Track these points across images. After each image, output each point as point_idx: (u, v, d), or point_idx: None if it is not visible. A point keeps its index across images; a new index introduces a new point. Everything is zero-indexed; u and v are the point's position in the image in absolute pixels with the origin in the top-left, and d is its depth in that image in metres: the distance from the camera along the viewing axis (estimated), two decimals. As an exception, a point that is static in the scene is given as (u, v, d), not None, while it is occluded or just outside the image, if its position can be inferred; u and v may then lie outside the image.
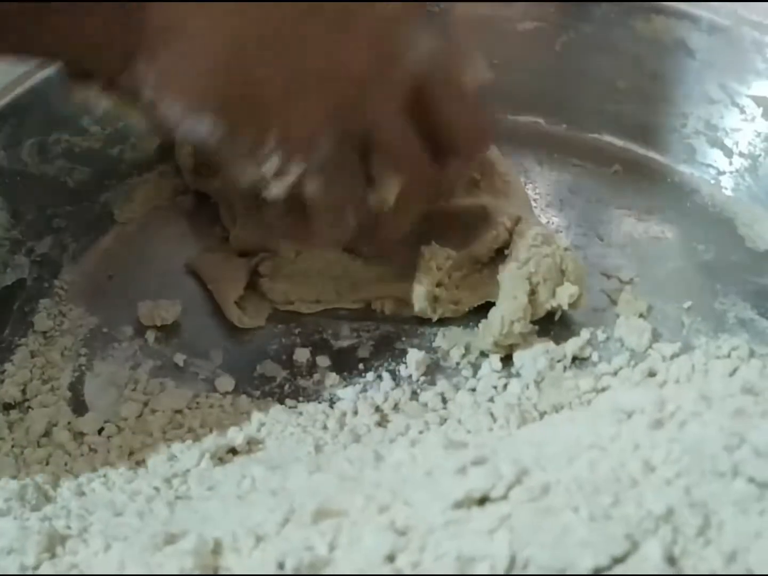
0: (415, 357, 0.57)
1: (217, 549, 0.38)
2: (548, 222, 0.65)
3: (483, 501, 0.37)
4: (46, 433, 0.53)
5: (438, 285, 0.58)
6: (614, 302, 0.60)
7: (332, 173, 0.47)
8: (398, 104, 0.48)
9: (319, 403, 0.55)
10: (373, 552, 0.36)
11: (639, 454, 0.39)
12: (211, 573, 0.37)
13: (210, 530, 0.39)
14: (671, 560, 0.35)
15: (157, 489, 0.47)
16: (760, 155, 0.66)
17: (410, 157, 0.50)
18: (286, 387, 0.56)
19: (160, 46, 0.43)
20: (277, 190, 0.47)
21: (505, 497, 0.37)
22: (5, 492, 0.46)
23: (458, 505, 0.37)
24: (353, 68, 0.46)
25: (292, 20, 0.44)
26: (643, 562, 0.34)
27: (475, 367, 0.57)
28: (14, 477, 0.49)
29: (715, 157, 0.67)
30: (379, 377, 0.56)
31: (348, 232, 0.51)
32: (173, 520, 0.42)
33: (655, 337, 0.58)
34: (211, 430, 0.52)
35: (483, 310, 0.58)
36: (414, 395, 0.55)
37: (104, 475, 0.50)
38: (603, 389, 0.55)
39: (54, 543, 0.41)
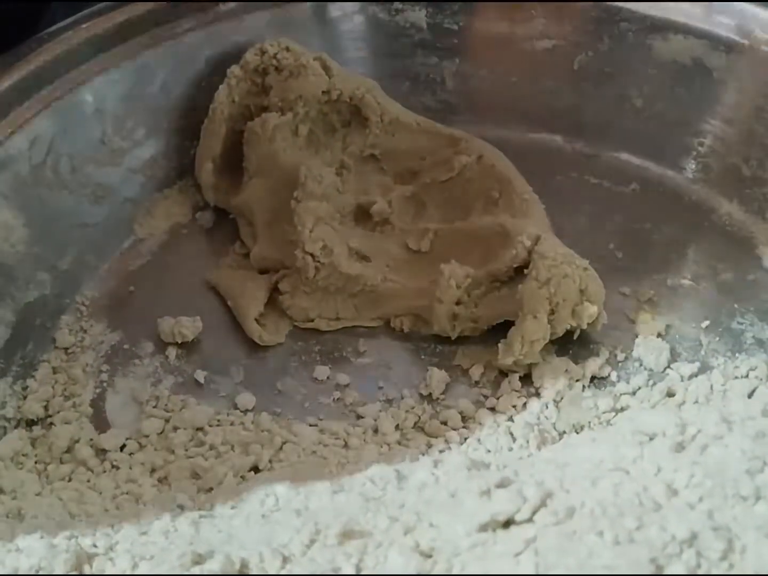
0: (435, 375, 0.57)
1: (243, 570, 0.39)
2: (569, 236, 0.65)
3: (508, 524, 0.38)
4: (69, 450, 0.53)
5: (457, 303, 0.59)
6: (632, 322, 0.61)
7: None
8: None
9: (340, 420, 0.55)
10: (399, 574, 0.37)
11: (661, 478, 0.40)
12: (239, 594, 0.38)
13: (235, 550, 0.40)
14: (696, 584, 0.35)
15: (181, 507, 0.48)
16: (778, 174, 0.66)
17: None
18: (307, 404, 0.57)
19: None
20: None
21: (530, 520, 0.38)
22: (31, 509, 0.47)
23: (483, 527, 0.38)
24: None
25: None
26: (667, 587, 0.35)
27: (495, 386, 0.57)
28: (38, 493, 0.50)
29: (733, 176, 0.67)
30: (400, 395, 0.57)
31: None
32: (198, 539, 0.43)
33: (674, 356, 0.58)
34: (233, 448, 0.53)
35: (502, 328, 0.58)
36: (434, 413, 0.56)
37: (127, 492, 0.50)
38: (622, 409, 0.55)
39: (81, 562, 0.41)
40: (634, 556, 0.36)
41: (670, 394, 0.56)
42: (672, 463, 0.41)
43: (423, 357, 0.59)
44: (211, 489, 0.50)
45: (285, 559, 0.39)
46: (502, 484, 0.40)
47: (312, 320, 0.61)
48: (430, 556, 0.37)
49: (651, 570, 0.35)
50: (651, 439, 0.43)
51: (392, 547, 0.38)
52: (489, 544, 0.37)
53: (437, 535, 0.38)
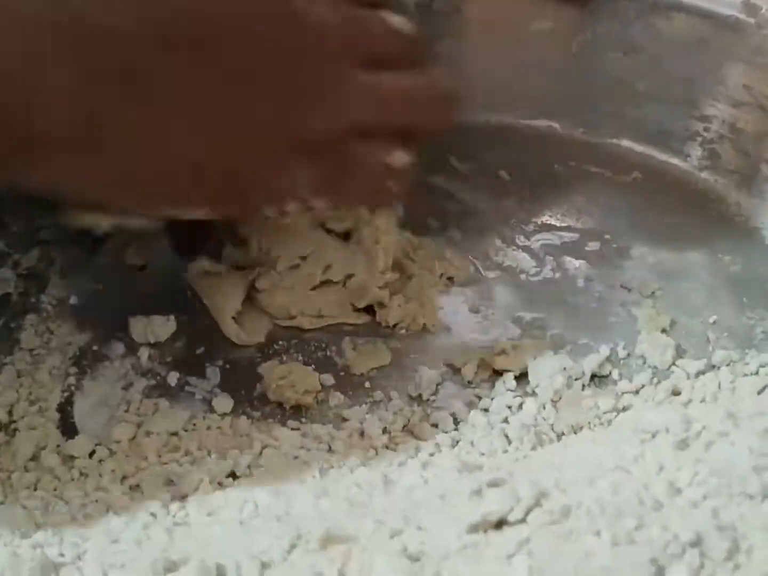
0: (425, 374, 0.58)
1: (220, 576, 0.39)
2: (568, 227, 0.66)
3: (500, 525, 0.38)
4: (34, 457, 0.53)
5: None
6: (635, 317, 0.61)
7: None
8: None
9: (324, 424, 0.56)
10: (385, 579, 0.37)
11: (664, 476, 0.40)
12: (215, 602, 0.38)
13: (212, 556, 0.40)
14: (699, 586, 0.35)
15: (153, 515, 0.48)
16: (788, 161, 0.67)
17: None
18: (288, 407, 0.57)
19: None
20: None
21: (523, 521, 0.38)
22: (-7, 518, 0.47)
23: (474, 528, 0.38)
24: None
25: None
26: (669, 588, 0.35)
27: (489, 386, 0.58)
28: (1, 503, 0.50)
29: (741, 163, 0.68)
30: (388, 396, 0.57)
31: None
32: (172, 547, 0.43)
33: (679, 353, 0.59)
34: (209, 454, 0.53)
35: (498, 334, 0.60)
36: (424, 415, 0.56)
37: (96, 501, 0.50)
38: (624, 409, 0.55)
39: (47, 571, 0.41)
40: (634, 556, 0.36)
41: (676, 393, 0.56)
42: (675, 461, 0.41)
43: (412, 355, 0.60)
44: (186, 496, 0.50)
45: (264, 565, 0.39)
46: (494, 484, 0.40)
47: (293, 318, 0.61)
48: (417, 560, 0.38)
49: (652, 571, 0.35)
50: (653, 436, 0.44)
51: (378, 552, 0.38)
52: (480, 546, 0.37)
53: (425, 538, 0.39)
